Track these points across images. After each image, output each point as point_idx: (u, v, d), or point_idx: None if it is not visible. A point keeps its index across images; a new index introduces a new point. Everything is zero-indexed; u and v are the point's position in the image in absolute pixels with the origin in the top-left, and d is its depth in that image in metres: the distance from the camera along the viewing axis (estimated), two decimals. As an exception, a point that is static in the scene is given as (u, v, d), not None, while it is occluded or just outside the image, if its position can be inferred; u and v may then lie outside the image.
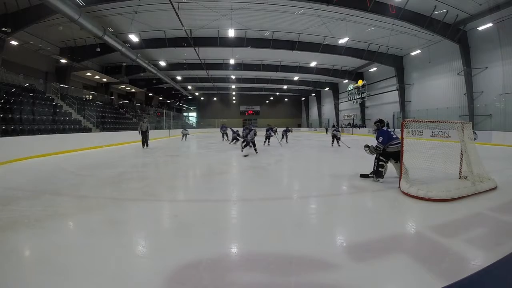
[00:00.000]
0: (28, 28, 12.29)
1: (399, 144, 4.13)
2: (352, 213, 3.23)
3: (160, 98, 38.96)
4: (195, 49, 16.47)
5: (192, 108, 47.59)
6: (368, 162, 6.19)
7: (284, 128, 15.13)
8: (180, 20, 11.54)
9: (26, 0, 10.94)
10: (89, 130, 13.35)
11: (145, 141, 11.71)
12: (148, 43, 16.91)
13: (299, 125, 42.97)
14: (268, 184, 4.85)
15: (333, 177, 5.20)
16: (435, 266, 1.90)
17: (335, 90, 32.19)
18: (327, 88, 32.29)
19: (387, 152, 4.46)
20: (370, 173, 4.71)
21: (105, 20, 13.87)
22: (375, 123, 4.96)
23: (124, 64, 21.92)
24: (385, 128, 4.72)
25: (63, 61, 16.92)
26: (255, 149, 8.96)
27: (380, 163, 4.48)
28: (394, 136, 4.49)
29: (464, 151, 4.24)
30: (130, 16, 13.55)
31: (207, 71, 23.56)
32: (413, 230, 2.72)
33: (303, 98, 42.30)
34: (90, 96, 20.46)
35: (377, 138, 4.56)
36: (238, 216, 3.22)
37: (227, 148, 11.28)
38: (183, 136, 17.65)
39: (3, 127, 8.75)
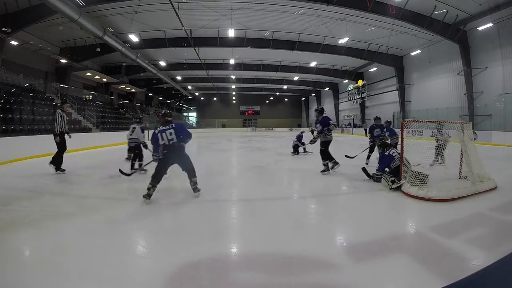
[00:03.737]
0: (28, 28, 12.25)
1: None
2: (352, 213, 3.23)
3: (160, 98, 38.89)
4: (195, 49, 16.44)
5: (192, 108, 47.56)
6: (365, 160, 6.16)
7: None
8: (180, 20, 11.52)
9: (26, 0, 10.92)
10: (89, 130, 13.36)
11: (58, 160, 5.37)
12: (148, 43, 16.88)
13: (299, 125, 42.93)
14: (268, 184, 4.84)
15: (333, 177, 5.19)
16: (435, 266, 1.89)
17: (335, 90, 32.14)
18: (327, 88, 32.25)
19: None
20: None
21: (105, 20, 13.85)
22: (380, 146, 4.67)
23: (124, 64, 21.87)
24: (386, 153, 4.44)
25: (63, 61, 16.88)
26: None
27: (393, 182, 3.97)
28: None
29: (464, 151, 4.24)
30: (130, 16, 13.53)
31: (207, 71, 23.50)
32: (413, 230, 2.73)
33: (303, 98, 42.23)
34: (90, 96, 20.45)
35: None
36: (238, 216, 3.23)
37: (227, 148, 11.26)
38: None
39: (3, 127, 8.75)
